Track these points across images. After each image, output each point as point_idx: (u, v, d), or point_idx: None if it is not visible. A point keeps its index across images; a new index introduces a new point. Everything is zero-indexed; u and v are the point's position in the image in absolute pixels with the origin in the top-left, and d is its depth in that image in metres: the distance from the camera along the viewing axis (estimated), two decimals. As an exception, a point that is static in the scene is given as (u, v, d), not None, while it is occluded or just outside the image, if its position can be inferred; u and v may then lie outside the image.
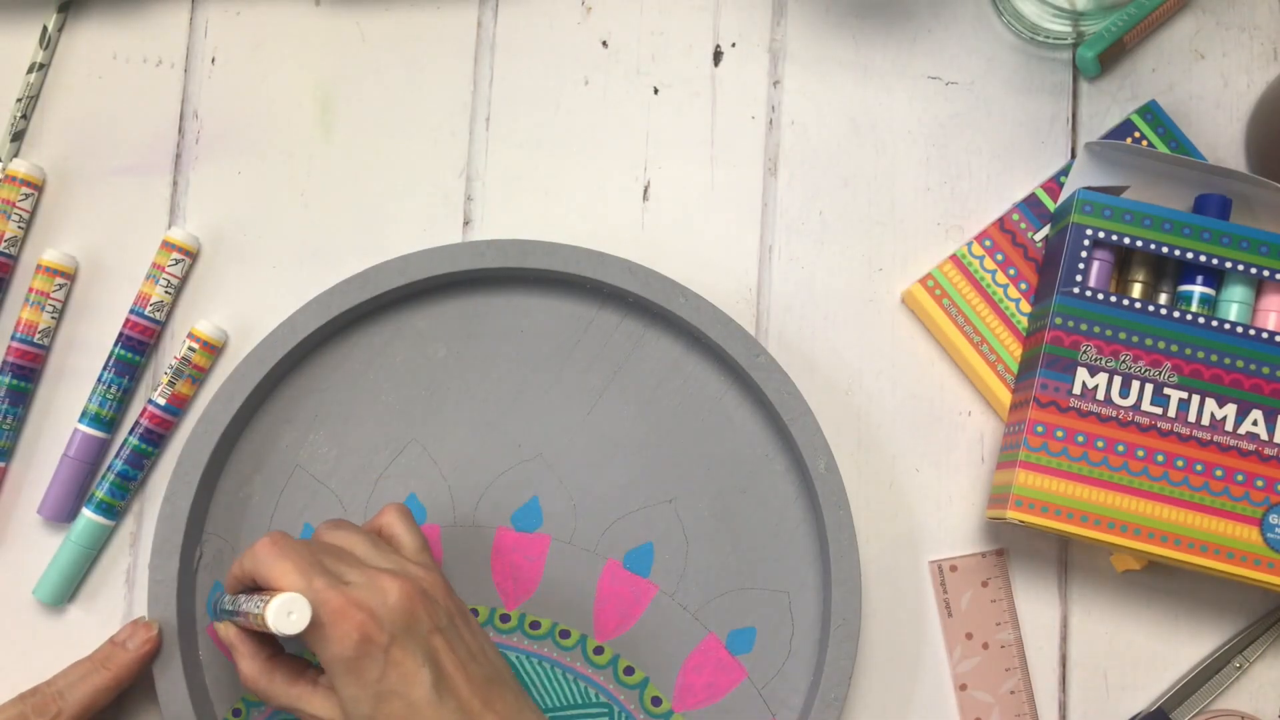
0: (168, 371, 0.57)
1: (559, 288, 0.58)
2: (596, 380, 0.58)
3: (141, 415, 0.57)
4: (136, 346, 0.57)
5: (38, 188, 0.58)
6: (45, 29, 0.60)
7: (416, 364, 0.58)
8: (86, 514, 0.56)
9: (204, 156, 0.60)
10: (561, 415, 0.57)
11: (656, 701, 0.56)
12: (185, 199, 0.60)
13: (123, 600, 0.57)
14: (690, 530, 0.57)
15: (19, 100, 0.59)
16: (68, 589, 0.57)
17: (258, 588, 0.49)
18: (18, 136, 0.59)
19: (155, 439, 0.57)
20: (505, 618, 0.56)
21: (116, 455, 0.57)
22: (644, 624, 0.56)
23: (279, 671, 0.49)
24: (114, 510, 0.57)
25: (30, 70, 0.59)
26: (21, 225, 0.58)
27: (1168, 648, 0.58)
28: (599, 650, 0.56)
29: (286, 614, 0.45)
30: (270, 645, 0.50)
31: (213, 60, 0.60)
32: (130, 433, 0.57)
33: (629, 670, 0.56)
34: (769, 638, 0.56)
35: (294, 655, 0.51)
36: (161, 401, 0.57)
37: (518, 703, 0.48)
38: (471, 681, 0.47)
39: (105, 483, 0.56)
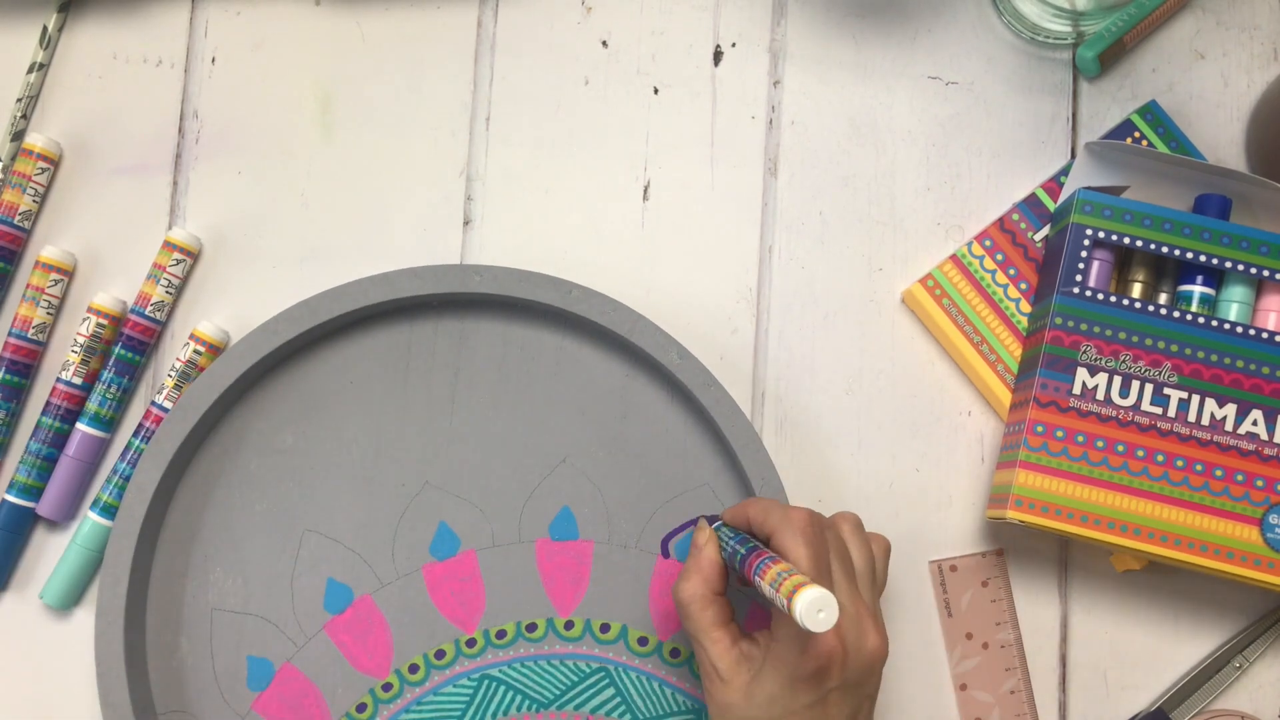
0: (172, 374, 0.57)
1: (364, 324, 0.57)
2: (442, 390, 0.57)
3: (145, 418, 0.57)
4: (137, 346, 0.57)
5: (54, 162, 0.59)
6: (45, 29, 0.60)
7: (271, 461, 0.57)
8: (92, 517, 0.56)
9: (204, 156, 0.60)
10: (427, 437, 0.57)
11: (643, 642, 0.56)
12: (185, 199, 0.60)
13: (123, 600, 0.57)
14: (594, 476, 0.57)
15: (19, 100, 0.59)
16: (75, 592, 0.57)
17: (754, 536, 0.49)
18: (18, 136, 0.59)
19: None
20: (471, 642, 0.56)
21: (121, 458, 0.57)
22: (597, 580, 0.57)
23: (714, 607, 0.49)
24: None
25: (30, 70, 0.59)
26: (36, 199, 0.58)
27: (1168, 648, 0.58)
28: (569, 625, 0.56)
29: (817, 610, 0.42)
30: (724, 581, 0.50)
31: (213, 60, 0.60)
32: (134, 435, 0.57)
33: (604, 628, 0.56)
34: None
35: (729, 603, 0.50)
36: (167, 404, 0.57)
37: None
38: None
39: (110, 485, 0.56)
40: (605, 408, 0.57)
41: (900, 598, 0.58)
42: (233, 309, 0.59)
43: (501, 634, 0.56)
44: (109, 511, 0.56)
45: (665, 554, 0.56)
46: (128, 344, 0.57)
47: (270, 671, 0.56)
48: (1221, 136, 0.61)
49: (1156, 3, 0.59)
